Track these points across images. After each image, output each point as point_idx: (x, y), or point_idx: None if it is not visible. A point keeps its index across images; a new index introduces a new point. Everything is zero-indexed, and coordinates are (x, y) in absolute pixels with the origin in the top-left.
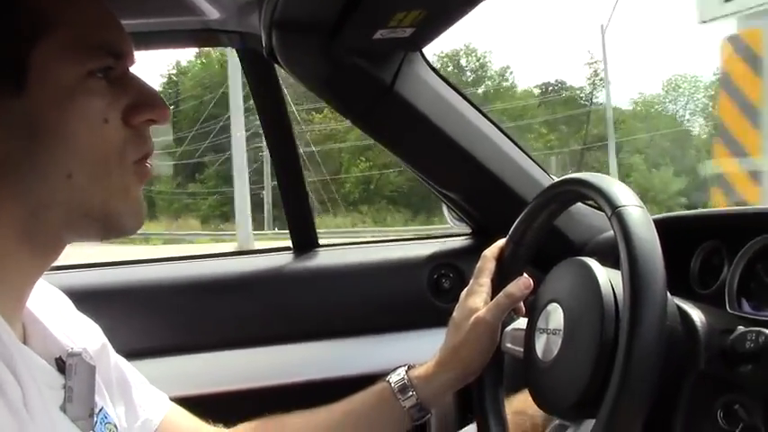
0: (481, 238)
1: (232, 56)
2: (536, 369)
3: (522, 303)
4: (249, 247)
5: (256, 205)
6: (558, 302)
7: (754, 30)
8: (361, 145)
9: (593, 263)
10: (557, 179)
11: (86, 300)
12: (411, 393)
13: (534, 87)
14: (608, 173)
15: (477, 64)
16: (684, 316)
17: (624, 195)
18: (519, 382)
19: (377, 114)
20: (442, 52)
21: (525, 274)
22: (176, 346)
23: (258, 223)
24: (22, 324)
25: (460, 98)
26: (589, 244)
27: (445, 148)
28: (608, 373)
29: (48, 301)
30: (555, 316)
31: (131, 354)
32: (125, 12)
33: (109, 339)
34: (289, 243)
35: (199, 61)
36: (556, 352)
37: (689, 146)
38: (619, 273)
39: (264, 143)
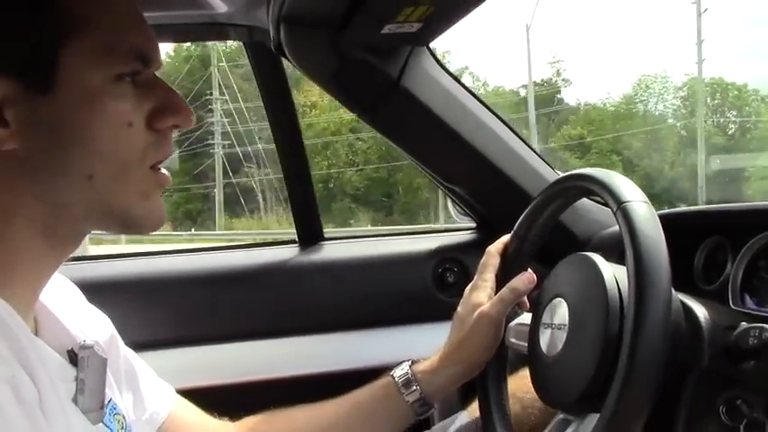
0: (486, 233)
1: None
2: (540, 364)
3: (526, 298)
4: None
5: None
6: (563, 297)
7: None
8: (320, 143)
9: (598, 258)
10: (562, 175)
11: (94, 291)
12: (415, 388)
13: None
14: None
15: None
16: (688, 312)
17: (630, 191)
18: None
19: (383, 109)
20: None
21: (529, 270)
22: (183, 338)
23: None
24: (35, 316)
25: (467, 93)
26: (593, 239)
27: (451, 143)
28: (612, 369)
29: (59, 293)
30: (560, 311)
31: (138, 345)
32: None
33: (117, 331)
34: (294, 236)
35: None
36: (560, 347)
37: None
38: (623, 268)
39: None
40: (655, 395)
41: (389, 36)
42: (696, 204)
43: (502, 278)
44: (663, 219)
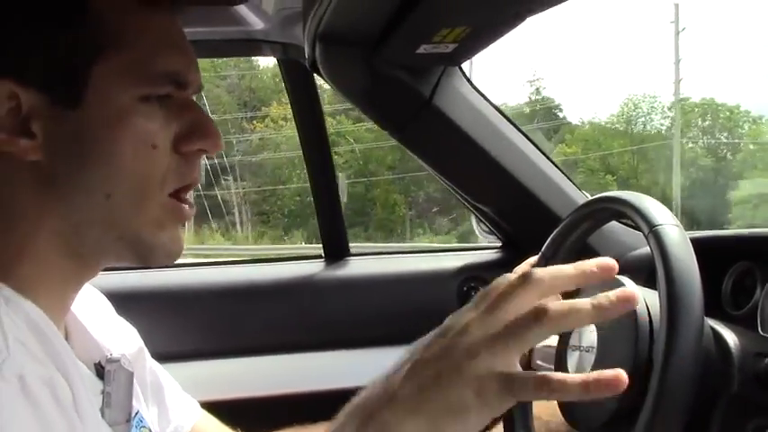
0: (511, 252)
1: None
2: None
3: None
4: None
5: None
6: None
7: None
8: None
9: (627, 281)
10: (591, 197)
11: (121, 301)
12: None
13: None
14: None
15: None
16: (718, 338)
17: (661, 214)
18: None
19: (414, 126)
20: None
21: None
22: (207, 350)
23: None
24: (65, 327)
25: (497, 113)
26: (619, 262)
27: (480, 162)
28: (641, 393)
29: (89, 304)
30: (588, 333)
31: (162, 356)
32: None
33: (143, 342)
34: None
35: None
36: (588, 370)
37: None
38: (652, 292)
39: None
40: (684, 420)
41: (424, 56)
42: None
43: None
44: (692, 242)
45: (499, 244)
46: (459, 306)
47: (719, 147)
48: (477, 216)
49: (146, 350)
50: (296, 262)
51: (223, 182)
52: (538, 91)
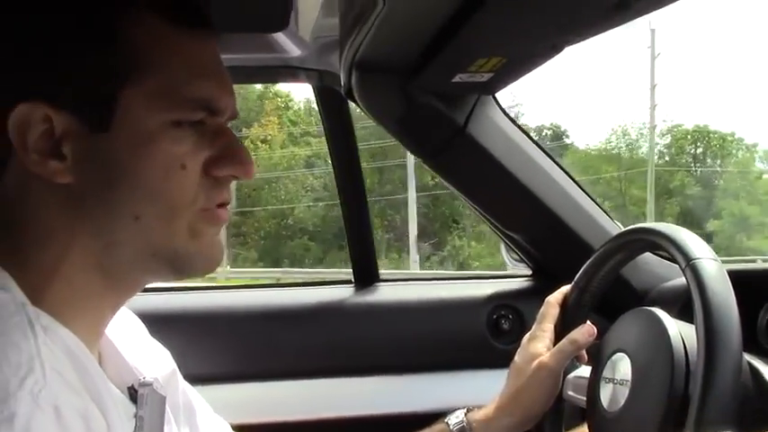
0: (541, 280)
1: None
2: (600, 418)
3: (584, 351)
4: None
5: None
6: (626, 352)
7: None
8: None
9: (663, 314)
10: (624, 228)
11: (156, 323)
12: None
13: None
14: None
15: None
16: (756, 373)
17: (699, 247)
18: None
19: (448, 154)
20: None
21: (589, 322)
22: (237, 373)
23: None
24: (99, 350)
25: (530, 142)
26: (651, 292)
27: (513, 190)
28: (677, 427)
29: (123, 326)
30: (622, 366)
31: (195, 379)
32: None
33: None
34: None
35: None
36: (623, 402)
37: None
38: (688, 325)
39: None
40: None
41: (459, 84)
42: None
43: (561, 329)
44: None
45: (529, 272)
46: (488, 334)
47: (713, 175)
48: (506, 244)
49: (178, 372)
50: (326, 287)
51: None
52: (517, 116)
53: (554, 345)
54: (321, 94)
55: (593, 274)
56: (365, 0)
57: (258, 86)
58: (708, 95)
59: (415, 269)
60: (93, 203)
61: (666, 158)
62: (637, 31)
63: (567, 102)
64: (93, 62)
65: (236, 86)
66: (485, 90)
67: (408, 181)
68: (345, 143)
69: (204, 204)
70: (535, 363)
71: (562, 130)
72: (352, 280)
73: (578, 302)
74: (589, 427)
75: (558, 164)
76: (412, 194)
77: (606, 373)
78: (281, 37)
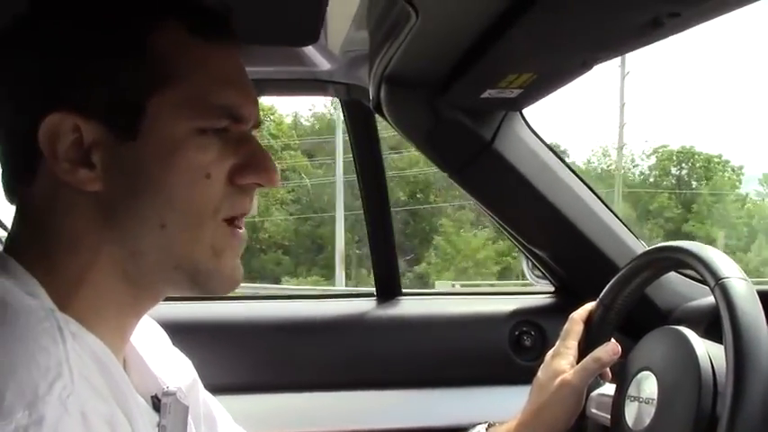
0: (564, 297)
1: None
2: None
3: (608, 369)
4: None
5: None
6: (652, 371)
7: None
8: None
9: (690, 333)
10: (648, 247)
11: (176, 332)
12: None
13: None
14: None
15: None
16: None
17: (727, 266)
18: None
19: (474, 170)
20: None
21: (613, 340)
22: (258, 384)
23: None
24: (124, 358)
25: (557, 159)
26: (676, 312)
27: (538, 206)
28: None
29: (147, 335)
30: (647, 384)
31: (214, 388)
32: (241, 60)
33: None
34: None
35: None
36: (648, 421)
37: None
38: (716, 345)
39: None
40: None
41: (488, 100)
42: None
43: (585, 346)
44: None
45: (552, 289)
46: (510, 350)
47: (695, 197)
48: (529, 260)
49: (199, 381)
50: (348, 299)
51: None
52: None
53: (577, 362)
54: (348, 107)
55: (618, 291)
56: (398, 13)
57: None
58: (698, 118)
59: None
60: (120, 211)
61: (651, 180)
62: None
63: (553, 121)
64: (123, 73)
65: None
66: (513, 106)
67: (337, 198)
68: (371, 157)
69: (228, 213)
70: (558, 380)
71: (562, 149)
72: (375, 293)
73: (603, 320)
74: None
75: (583, 181)
76: (340, 213)
77: (631, 391)
78: (310, 50)
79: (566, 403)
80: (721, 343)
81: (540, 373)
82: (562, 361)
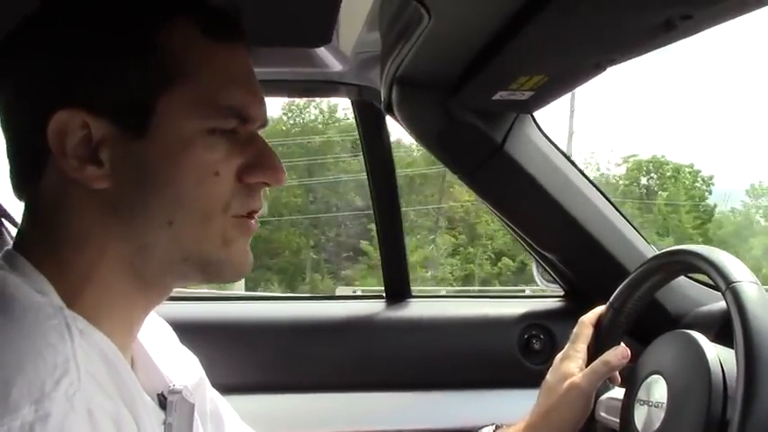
0: (574, 301)
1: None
2: None
3: (617, 373)
4: None
5: None
6: (662, 375)
7: None
8: None
9: (700, 337)
10: (658, 251)
11: (185, 332)
12: None
13: None
14: None
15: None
16: None
17: (739, 270)
18: None
19: (484, 172)
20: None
21: (623, 344)
22: (266, 384)
23: None
24: (132, 355)
25: (567, 162)
26: (686, 316)
27: (548, 209)
28: None
29: (154, 333)
30: (657, 388)
31: (224, 388)
32: (253, 61)
33: (204, 372)
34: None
35: None
36: (657, 426)
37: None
38: (727, 349)
39: None
40: None
41: (499, 102)
42: None
43: (594, 349)
44: None
45: (562, 292)
46: (520, 353)
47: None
48: (539, 263)
49: (206, 379)
50: (358, 301)
51: None
52: None
53: (587, 365)
54: (359, 108)
55: (628, 295)
56: (411, 14)
57: None
58: (671, 128)
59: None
60: (128, 208)
61: (620, 189)
62: None
63: None
64: (133, 72)
65: None
66: (524, 108)
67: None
68: (382, 159)
69: (237, 211)
70: (567, 383)
71: None
72: (384, 295)
73: (613, 324)
74: None
75: (594, 185)
76: None
77: (641, 395)
78: (322, 52)
79: (574, 406)
80: (732, 348)
81: (548, 376)
82: (571, 364)
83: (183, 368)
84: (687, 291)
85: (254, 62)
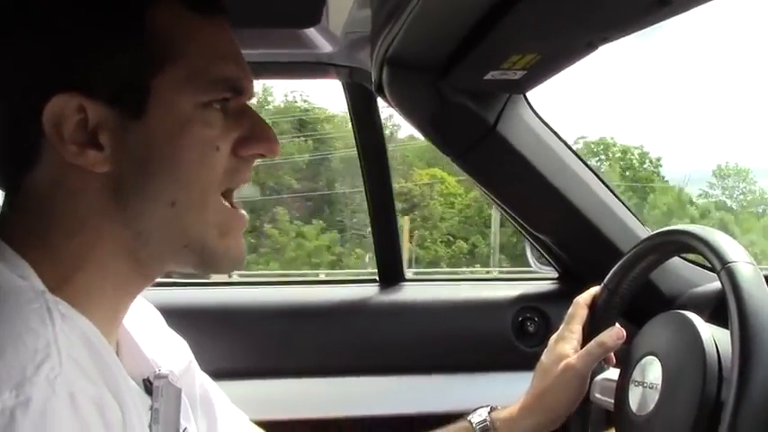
0: (568, 283)
1: None
2: (628, 422)
3: (612, 354)
4: None
5: None
6: (656, 356)
7: None
8: None
9: (695, 318)
10: (652, 231)
11: (176, 317)
12: None
13: None
14: None
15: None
16: None
17: (734, 250)
18: None
19: (477, 153)
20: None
21: (618, 325)
22: (258, 369)
23: None
24: (117, 341)
25: (561, 143)
26: (681, 297)
27: (542, 191)
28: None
29: (141, 317)
30: (652, 369)
31: (216, 374)
32: (242, 42)
33: (196, 357)
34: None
35: None
36: (652, 406)
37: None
38: (722, 329)
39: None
40: None
41: (491, 82)
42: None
43: (589, 331)
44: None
45: (556, 275)
46: (513, 336)
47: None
48: (533, 245)
49: (195, 364)
50: (350, 285)
51: None
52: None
53: (581, 347)
54: (350, 90)
55: (623, 275)
56: None
57: None
58: (620, 110)
59: None
60: (129, 191)
61: None
62: None
63: None
64: (126, 53)
65: None
66: (516, 89)
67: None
68: (374, 141)
69: (228, 185)
70: (562, 364)
71: None
72: (377, 279)
73: (607, 305)
74: (616, 431)
75: (588, 165)
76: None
77: (635, 376)
78: (312, 32)
79: (569, 387)
80: (727, 328)
81: (543, 358)
82: (566, 345)
83: (171, 353)
84: (682, 272)
85: (243, 44)
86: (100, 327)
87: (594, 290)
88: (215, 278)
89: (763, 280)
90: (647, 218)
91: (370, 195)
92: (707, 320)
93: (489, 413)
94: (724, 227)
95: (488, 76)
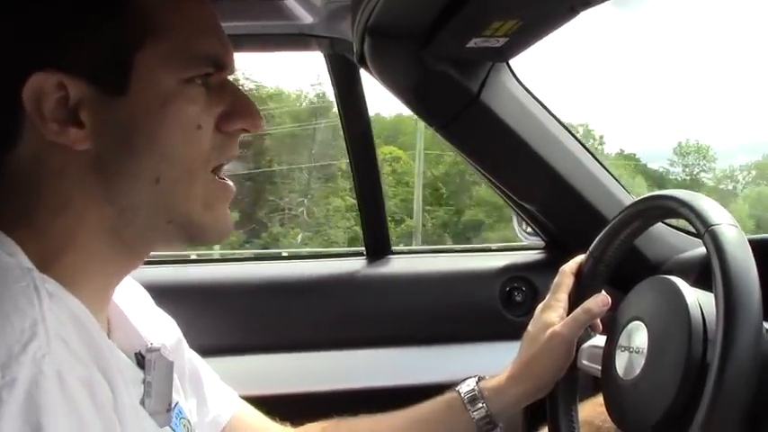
0: (555, 252)
1: None
2: (616, 387)
3: (599, 320)
4: None
5: None
6: (642, 321)
7: None
8: None
9: (680, 282)
10: (637, 197)
11: (163, 295)
12: (481, 405)
13: None
14: None
15: None
16: None
17: (718, 213)
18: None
19: (461, 123)
20: None
21: (603, 291)
22: (247, 345)
23: None
24: (108, 317)
25: (545, 111)
26: (666, 263)
27: (527, 160)
28: (694, 394)
29: (130, 295)
30: (638, 334)
31: (203, 350)
32: (222, 15)
33: (184, 335)
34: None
35: None
36: (638, 371)
37: None
38: (706, 293)
39: None
40: (741, 424)
41: (473, 50)
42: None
43: (575, 299)
44: (751, 244)
45: (542, 244)
46: (501, 306)
47: None
48: (519, 215)
49: (184, 341)
50: (337, 259)
51: None
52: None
53: (568, 314)
54: (332, 62)
55: (608, 243)
56: None
57: None
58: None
59: None
60: (112, 168)
61: None
62: None
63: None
64: (105, 29)
65: None
66: (499, 56)
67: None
68: (358, 113)
69: (217, 161)
70: (548, 332)
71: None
72: (364, 252)
73: (593, 272)
74: (603, 396)
75: (572, 134)
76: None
77: (622, 341)
78: (291, 3)
79: (556, 354)
80: (712, 292)
81: (530, 326)
82: (552, 313)
83: (161, 329)
84: (667, 238)
85: (223, 16)
86: (89, 305)
87: (580, 258)
88: (201, 255)
89: (747, 243)
90: None
91: (354, 169)
92: (692, 284)
93: (477, 383)
94: None
95: (470, 44)
